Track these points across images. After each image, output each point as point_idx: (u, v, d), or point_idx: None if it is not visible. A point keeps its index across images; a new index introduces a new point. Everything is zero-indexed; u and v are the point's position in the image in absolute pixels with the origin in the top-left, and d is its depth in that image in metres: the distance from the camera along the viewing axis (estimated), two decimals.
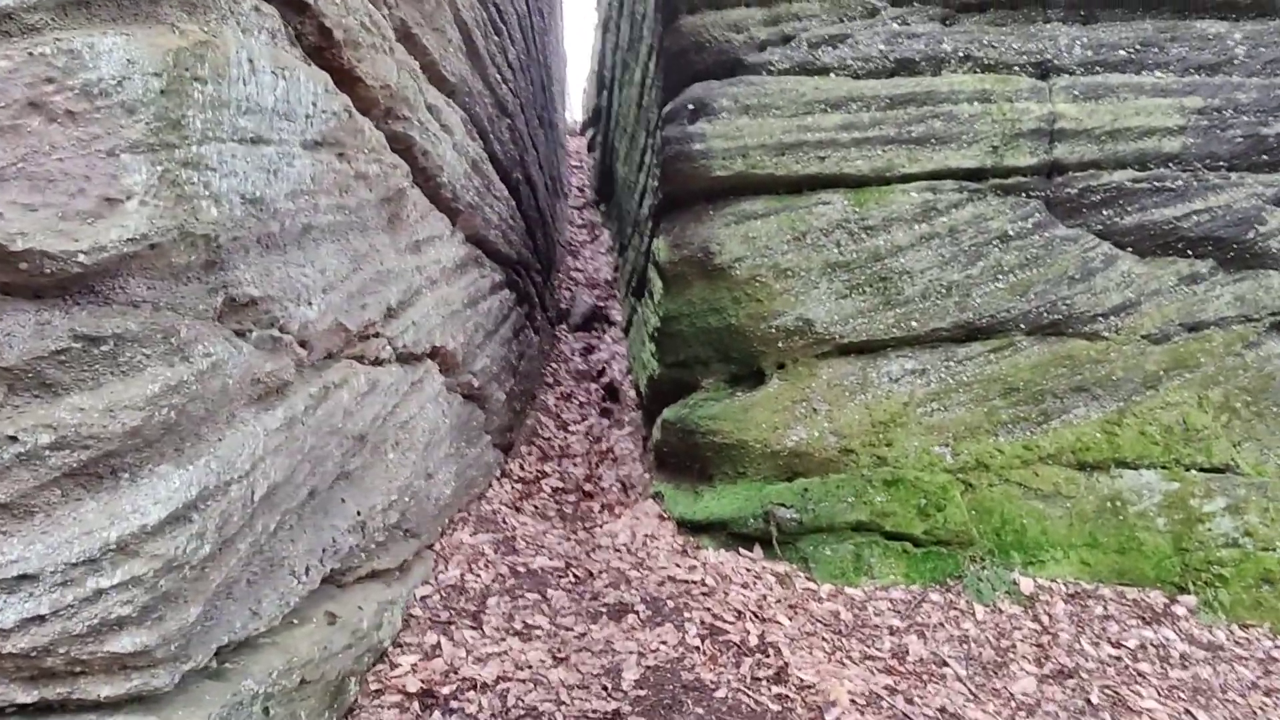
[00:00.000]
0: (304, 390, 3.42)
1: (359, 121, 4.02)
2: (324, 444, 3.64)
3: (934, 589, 5.92)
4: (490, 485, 7.30)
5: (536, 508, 7.20)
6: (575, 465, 8.56)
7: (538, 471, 8.11)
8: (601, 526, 6.79)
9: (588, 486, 7.88)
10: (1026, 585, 5.98)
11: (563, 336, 13.62)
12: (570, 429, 9.92)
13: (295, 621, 3.62)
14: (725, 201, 6.57)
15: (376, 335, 4.36)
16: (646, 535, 6.34)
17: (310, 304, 3.46)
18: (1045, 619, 5.76)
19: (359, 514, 4.22)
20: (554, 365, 12.29)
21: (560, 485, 7.94)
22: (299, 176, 3.30)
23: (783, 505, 6.11)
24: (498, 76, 7.79)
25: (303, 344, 3.45)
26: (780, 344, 6.44)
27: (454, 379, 6.33)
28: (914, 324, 6.42)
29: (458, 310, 6.11)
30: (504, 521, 6.56)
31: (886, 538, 6.10)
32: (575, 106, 28.98)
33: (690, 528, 6.34)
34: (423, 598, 5.17)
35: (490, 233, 7.31)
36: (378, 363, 4.45)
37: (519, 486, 7.58)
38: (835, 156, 6.43)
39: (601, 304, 14.15)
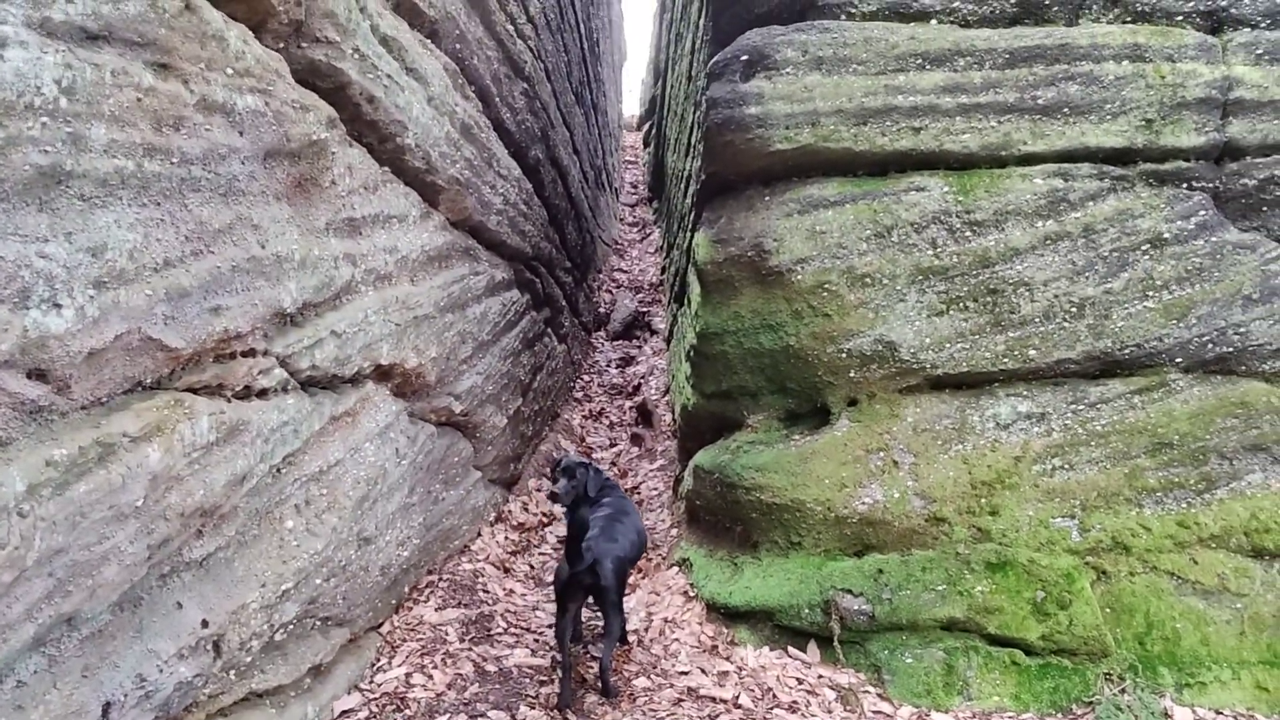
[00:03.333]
0: (30, 459, 1.96)
1: (211, 22, 2.57)
2: (93, 541, 2.18)
3: (1054, 719, 4.30)
4: (479, 534, 5.83)
5: (532, 568, 5.71)
6: None
7: (544, 515, 6.62)
8: None
9: None
10: (1182, 718, 4.33)
11: (599, 345, 12.16)
12: (593, 456, 8.41)
13: None
14: (786, 185, 5.02)
15: (249, 354, 2.90)
16: (665, 620, 4.80)
17: (57, 306, 2.00)
18: None
19: (207, 625, 2.77)
20: (586, 378, 10.82)
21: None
22: (9, 80, 1.85)
23: (849, 592, 4.54)
24: (510, 29, 6.33)
25: (38, 375, 1.99)
26: (853, 373, 4.87)
27: (424, 404, 4.88)
28: (1032, 353, 4.81)
29: (428, 315, 4.65)
30: (485, 590, 5.08)
31: (989, 643, 4.48)
32: (633, 102, 27.81)
33: (724, 613, 4.79)
34: (343, 714, 3.71)
35: (490, 219, 5.84)
36: (254, 394, 2.99)
37: (515, 536, 6.09)
38: (934, 128, 4.85)
39: (645, 309, 12.65)
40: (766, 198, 5.02)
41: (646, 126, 22.15)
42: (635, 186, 20.43)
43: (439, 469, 5.13)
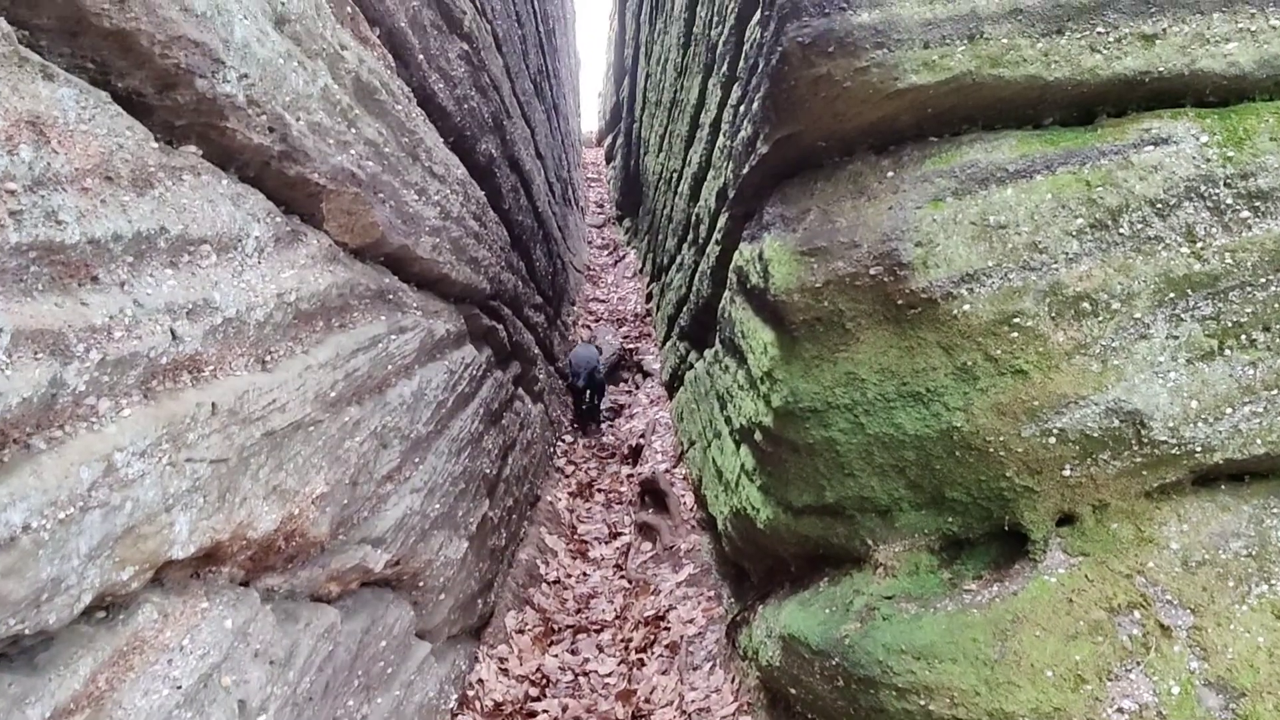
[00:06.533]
0: None
1: None
2: None
3: None
4: None
5: None
6: (601, 653, 4.83)
7: (530, 681, 4.42)
8: None
9: None
10: None
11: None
12: (590, 555, 6.24)
13: None
14: (923, 147, 2.94)
15: None
16: None
17: None
18: None
19: None
20: (568, 438, 8.65)
21: (577, 717, 4.21)
22: None
23: None
24: None
25: None
26: (1068, 470, 2.77)
27: (312, 572, 2.73)
28: None
29: (303, 421, 2.49)
30: None
31: None
32: (589, 119, 26.18)
33: None
34: None
35: (420, 241, 3.71)
36: None
37: None
38: (1178, 35, 2.80)
39: (631, 345, 10.52)
40: (890, 173, 2.92)
41: (610, 139, 20.23)
42: (601, 205, 18.43)
43: (353, 672, 2.96)
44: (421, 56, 3.90)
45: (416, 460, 3.61)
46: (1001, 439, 2.77)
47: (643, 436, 7.92)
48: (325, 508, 2.70)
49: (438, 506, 3.82)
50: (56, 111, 1.60)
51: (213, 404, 2.01)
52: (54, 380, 1.52)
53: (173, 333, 1.89)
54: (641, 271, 12.31)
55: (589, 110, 27.08)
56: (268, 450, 2.30)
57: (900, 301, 2.80)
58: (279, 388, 2.36)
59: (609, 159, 20.34)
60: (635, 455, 7.73)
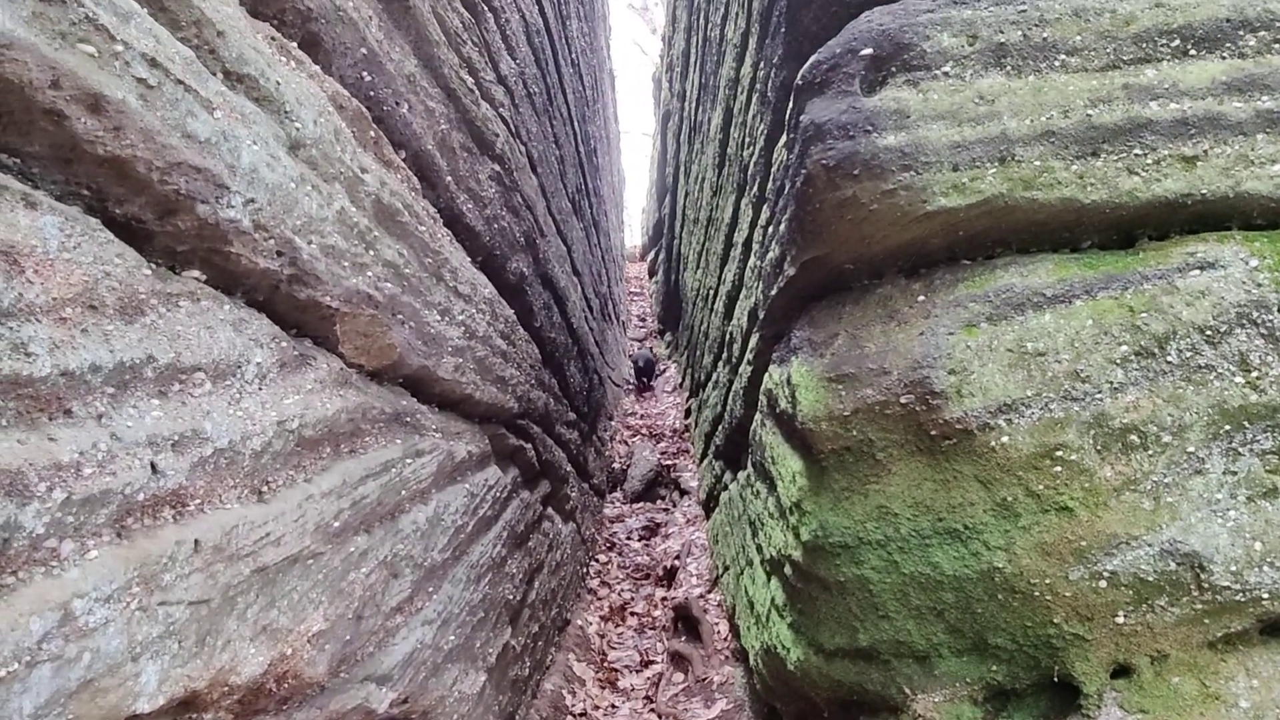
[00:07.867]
0: None
1: None
2: None
3: None
4: None
5: None
6: None
7: None
8: None
9: None
10: None
11: (616, 509, 9.81)
12: (619, 685, 5.97)
13: None
14: (954, 271, 2.83)
15: None
16: None
17: None
18: None
19: None
20: (602, 558, 8.42)
21: None
22: None
23: None
24: (467, 81, 4.27)
25: None
26: (1121, 616, 2.55)
27: (309, 714, 2.56)
28: None
29: (302, 555, 2.37)
30: None
31: None
32: (633, 235, 26.83)
33: None
34: None
35: (442, 362, 3.64)
36: None
37: None
38: (1220, 156, 2.68)
39: (669, 462, 10.34)
40: (921, 297, 2.81)
41: (652, 254, 20.49)
42: (643, 319, 18.56)
43: None
44: (450, 178, 3.91)
45: (430, 589, 3.46)
46: (1047, 582, 2.57)
47: (678, 558, 7.68)
48: (324, 645, 2.55)
49: (453, 638, 3.64)
50: (35, 240, 1.55)
51: (195, 541, 1.90)
52: (7, 523, 1.42)
53: (153, 466, 1.80)
54: (681, 386, 12.23)
55: (634, 225, 27.68)
56: (258, 588, 2.17)
57: (934, 432, 2.65)
58: (274, 520, 2.25)
59: (652, 273, 20.56)
60: (670, 577, 7.47)
